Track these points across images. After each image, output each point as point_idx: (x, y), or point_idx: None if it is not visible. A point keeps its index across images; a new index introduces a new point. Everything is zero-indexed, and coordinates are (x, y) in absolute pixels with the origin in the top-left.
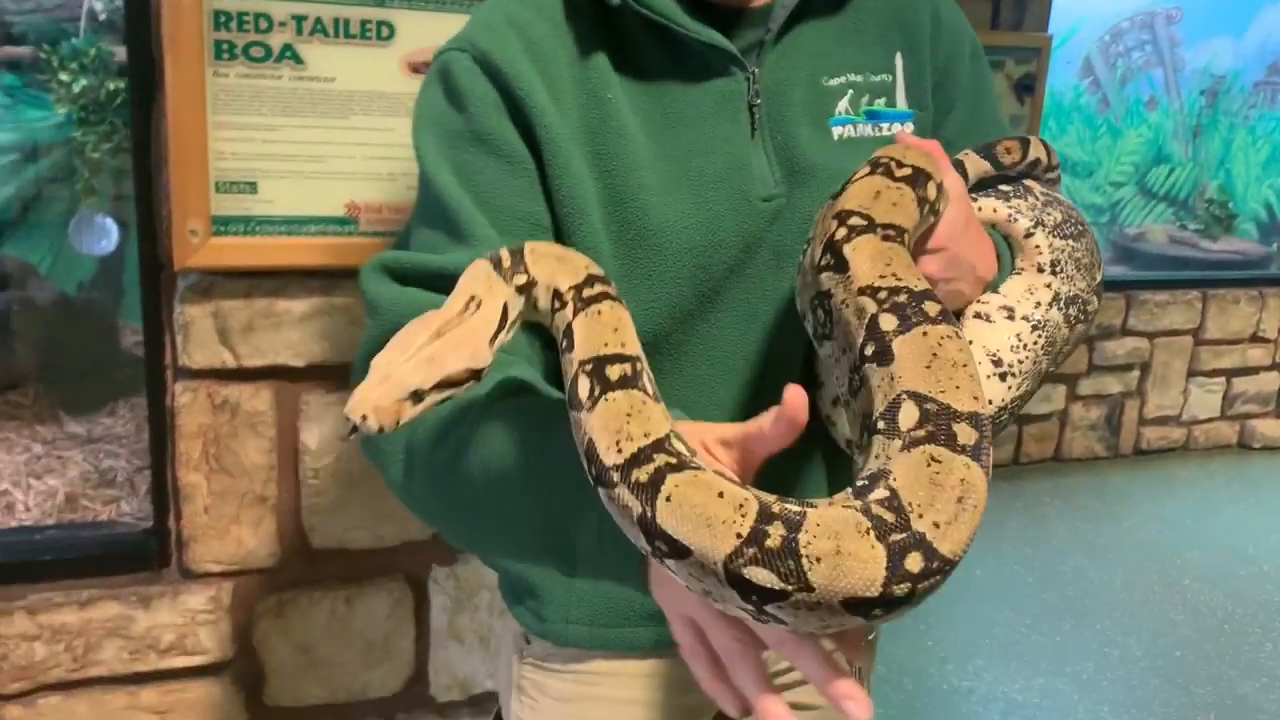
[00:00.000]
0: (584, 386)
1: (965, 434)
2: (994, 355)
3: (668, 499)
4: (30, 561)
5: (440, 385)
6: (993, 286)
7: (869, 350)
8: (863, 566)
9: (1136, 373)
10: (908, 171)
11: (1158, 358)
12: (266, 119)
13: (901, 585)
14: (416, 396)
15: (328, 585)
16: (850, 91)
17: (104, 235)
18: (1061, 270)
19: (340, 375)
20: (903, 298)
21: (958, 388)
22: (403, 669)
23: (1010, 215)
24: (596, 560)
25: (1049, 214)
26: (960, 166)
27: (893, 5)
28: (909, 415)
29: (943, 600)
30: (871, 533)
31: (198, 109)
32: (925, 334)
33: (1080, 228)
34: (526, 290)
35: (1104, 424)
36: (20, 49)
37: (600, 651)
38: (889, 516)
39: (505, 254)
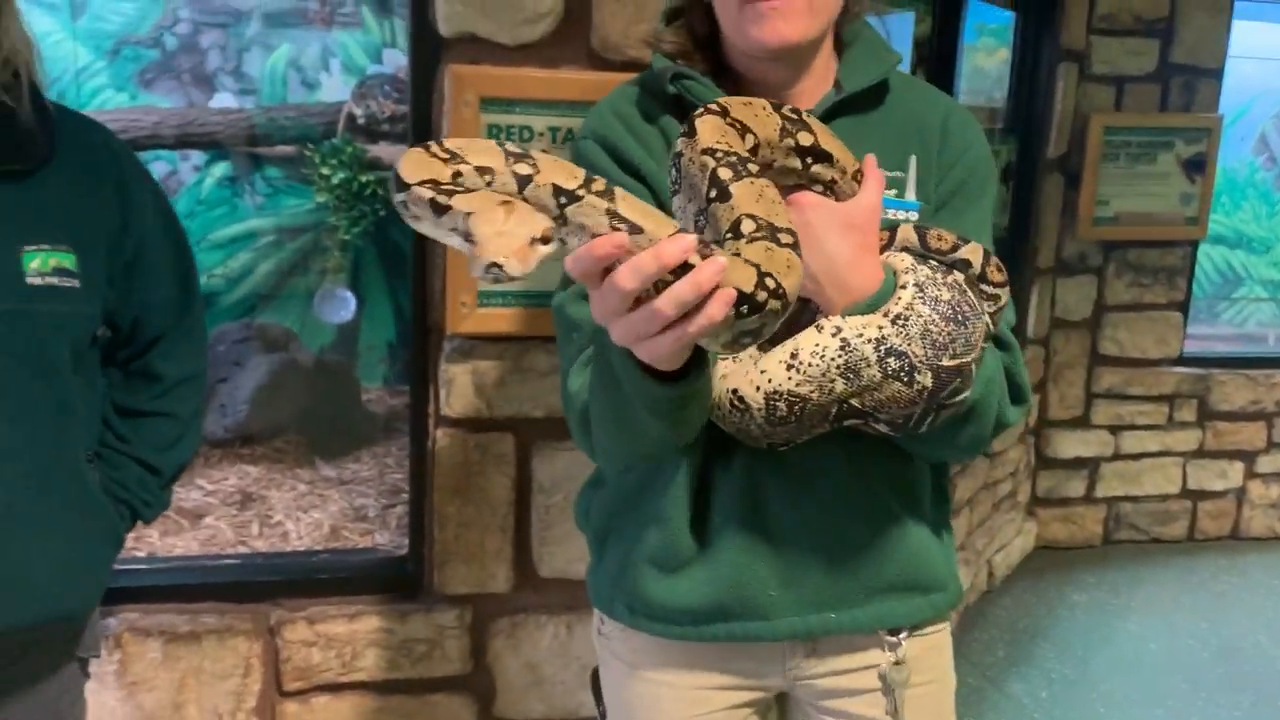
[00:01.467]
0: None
1: (787, 238)
2: (794, 350)
3: (622, 199)
4: (309, 580)
5: (544, 239)
6: (845, 313)
7: (712, 194)
8: (744, 270)
9: None
10: (791, 115)
11: None
12: None
13: (762, 293)
14: (537, 242)
15: (553, 611)
16: None
17: (344, 307)
18: (902, 326)
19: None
20: (734, 159)
21: (778, 215)
22: None
23: (907, 268)
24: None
25: (936, 289)
26: (894, 227)
27: (913, 113)
28: (748, 225)
29: (1116, 669)
30: (743, 260)
31: None
32: (752, 182)
33: (959, 317)
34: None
35: None
36: (287, 147)
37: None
38: (749, 262)
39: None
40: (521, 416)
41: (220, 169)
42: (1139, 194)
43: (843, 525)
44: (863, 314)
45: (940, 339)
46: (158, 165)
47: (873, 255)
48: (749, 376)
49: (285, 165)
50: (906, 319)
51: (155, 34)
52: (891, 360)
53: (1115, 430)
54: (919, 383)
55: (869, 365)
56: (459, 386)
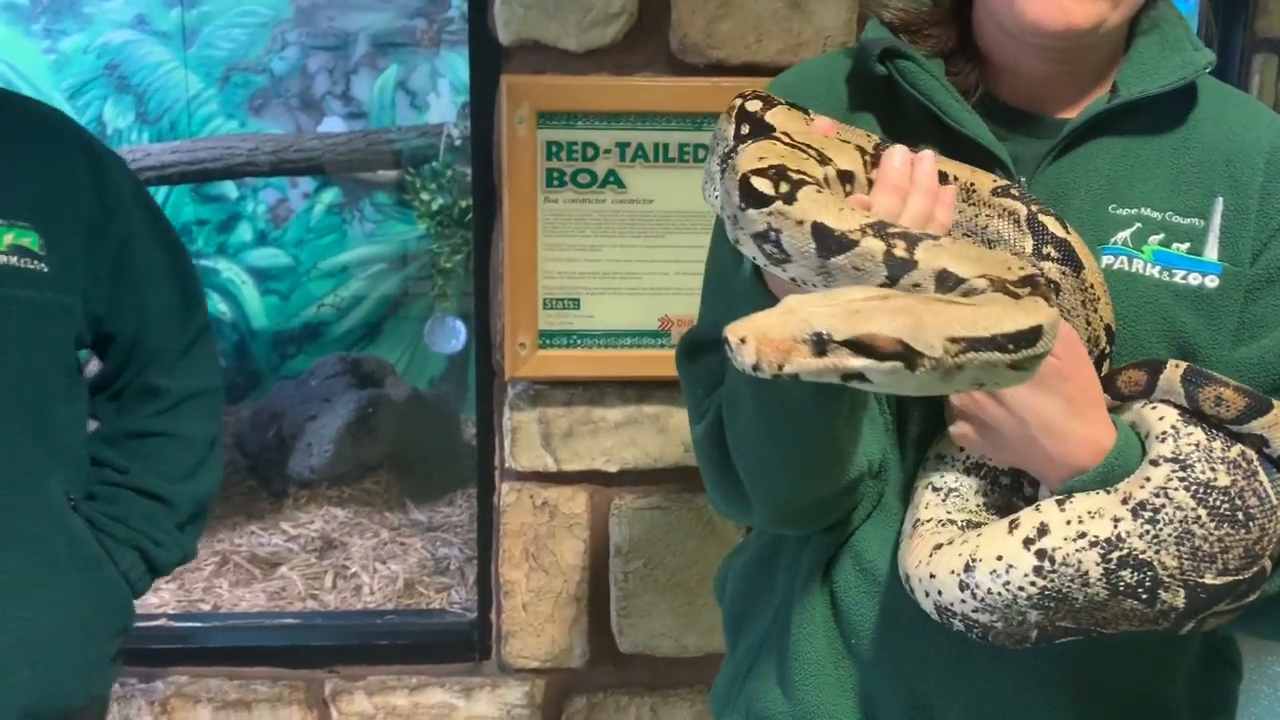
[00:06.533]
0: None
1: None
2: (969, 560)
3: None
4: (370, 645)
5: (855, 345)
6: (1064, 491)
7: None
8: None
9: None
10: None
11: None
12: (590, 239)
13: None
14: (819, 344)
15: (634, 691)
16: (1138, 225)
17: (454, 336)
18: (1149, 522)
19: (649, 480)
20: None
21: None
22: None
23: (1166, 430)
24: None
25: (1209, 469)
26: (1156, 369)
27: (1224, 136)
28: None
29: None
30: None
31: (530, 232)
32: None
33: (1241, 514)
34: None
35: None
36: (391, 172)
37: None
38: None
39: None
40: (594, 471)
41: (329, 195)
42: None
43: (1010, 694)
44: (1085, 490)
45: (1206, 547)
46: (267, 193)
47: (1094, 409)
48: (918, 569)
49: (393, 191)
50: (1157, 511)
51: (263, 59)
52: (1126, 574)
53: None
54: (1164, 602)
55: (1087, 584)
56: (523, 436)
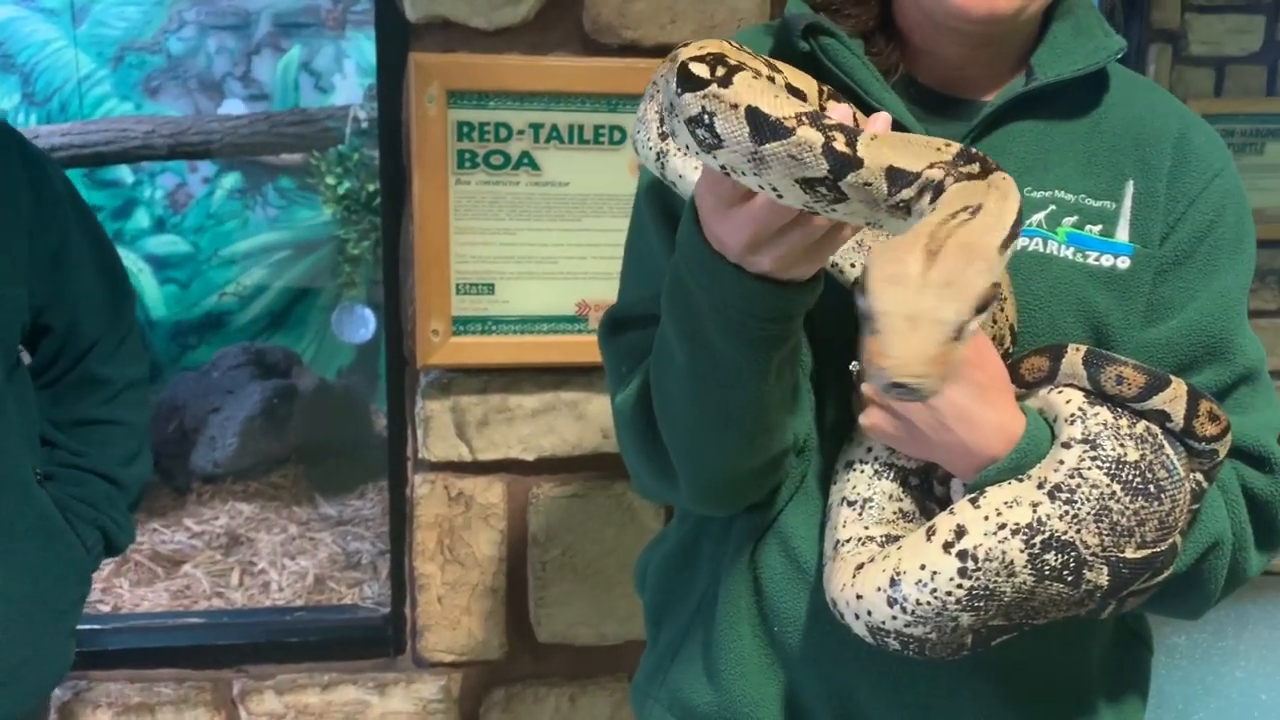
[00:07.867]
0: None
1: None
2: (894, 574)
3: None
4: (280, 642)
5: (978, 310)
6: (978, 483)
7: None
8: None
9: None
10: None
11: None
12: (504, 223)
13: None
14: (960, 332)
15: (553, 681)
16: (1053, 207)
17: (363, 325)
18: (1067, 502)
19: (567, 467)
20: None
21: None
22: None
23: (1073, 413)
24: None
25: (1119, 445)
26: (1057, 354)
27: (1135, 123)
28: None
29: None
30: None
31: (441, 215)
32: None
33: (1153, 487)
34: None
35: None
36: (294, 155)
37: None
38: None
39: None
40: (511, 460)
41: (230, 180)
42: (1247, 189)
43: (933, 681)
44: (995, 481)
45: (1124, 521)
46: (165, 177)
47: (1003, 396)
48: (844, 592)
49: (298, 175)
50: (1074, 492)
51: (159, 39)
52: (1050, 557)
53: None
54: (1089, 581)
55: (1013, 574)
56: (437, 426)
